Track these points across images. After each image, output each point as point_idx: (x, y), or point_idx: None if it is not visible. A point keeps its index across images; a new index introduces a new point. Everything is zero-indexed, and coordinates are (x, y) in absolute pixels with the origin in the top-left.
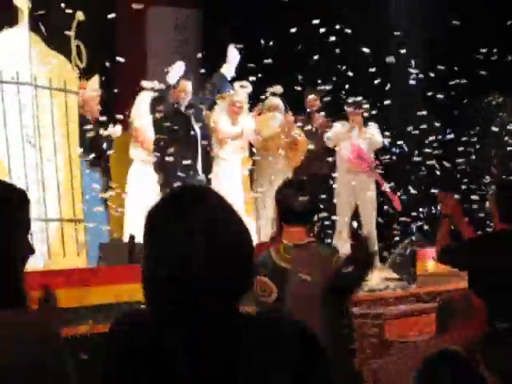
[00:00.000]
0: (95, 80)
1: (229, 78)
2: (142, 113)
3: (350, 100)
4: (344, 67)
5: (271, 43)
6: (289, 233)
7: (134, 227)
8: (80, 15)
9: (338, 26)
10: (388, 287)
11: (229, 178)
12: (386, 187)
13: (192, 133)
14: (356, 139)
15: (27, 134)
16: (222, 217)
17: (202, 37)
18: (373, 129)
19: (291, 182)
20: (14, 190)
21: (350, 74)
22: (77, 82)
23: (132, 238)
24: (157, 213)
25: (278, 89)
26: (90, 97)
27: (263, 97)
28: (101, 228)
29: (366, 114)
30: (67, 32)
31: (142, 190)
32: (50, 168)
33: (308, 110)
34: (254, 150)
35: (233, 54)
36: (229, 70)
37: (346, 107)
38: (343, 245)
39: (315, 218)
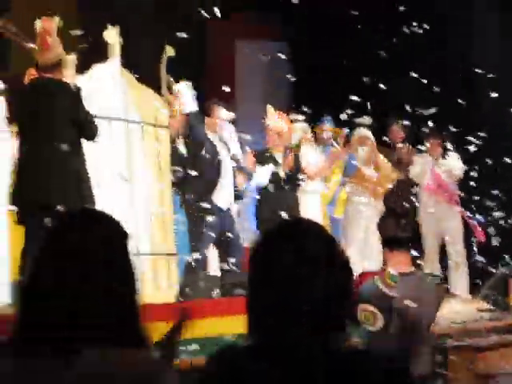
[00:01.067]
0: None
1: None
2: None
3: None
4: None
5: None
6: (393, 260)
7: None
8: (169, 50)
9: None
10: (482, 318)
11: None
12: (471, 219)
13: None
14: (436, 168)
15: (120, 169)
16: (331, 249)
17: (291, 69)
18: (453, 158)
19: (394, 209)
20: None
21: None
22: (167, 117)
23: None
24: (270, 244)
25: (367, 120)
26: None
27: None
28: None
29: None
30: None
31: None
32: (142, 203)
33: (391, 141)
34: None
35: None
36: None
37: (425, 140)
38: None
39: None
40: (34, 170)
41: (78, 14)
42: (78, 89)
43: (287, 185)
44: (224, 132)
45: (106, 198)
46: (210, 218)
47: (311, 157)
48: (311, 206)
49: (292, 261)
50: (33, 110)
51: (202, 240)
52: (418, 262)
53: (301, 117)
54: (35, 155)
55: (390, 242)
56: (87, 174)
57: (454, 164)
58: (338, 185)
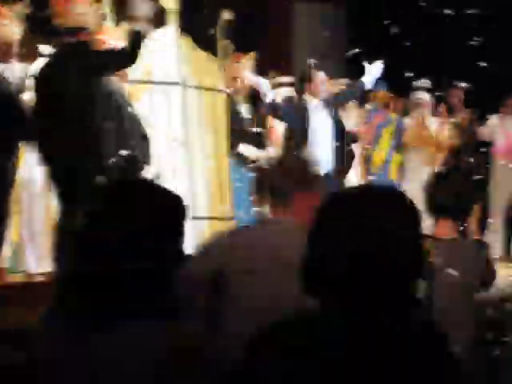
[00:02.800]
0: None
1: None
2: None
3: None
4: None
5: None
6: (436, 226)
7: None
8: (227, 14)
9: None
10: None
11: None
12: None
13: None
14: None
15: (175, 134)
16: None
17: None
18: None
19: (440, 172)
20: (168, 194)
21: None
22: (223, 81)
23: None
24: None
25: (427, 82)
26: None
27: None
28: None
29: None
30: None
31: None
32: (200, 166)
33: (451, 103)
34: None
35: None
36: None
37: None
38: (495, 239)
39: (466, 212)
40: None
41: None
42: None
43: None
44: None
45: (164, 163)
46: None
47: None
48: None
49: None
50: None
51: None
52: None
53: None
54: None
55: (436, 209)
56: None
57: None
58: (388, 148)
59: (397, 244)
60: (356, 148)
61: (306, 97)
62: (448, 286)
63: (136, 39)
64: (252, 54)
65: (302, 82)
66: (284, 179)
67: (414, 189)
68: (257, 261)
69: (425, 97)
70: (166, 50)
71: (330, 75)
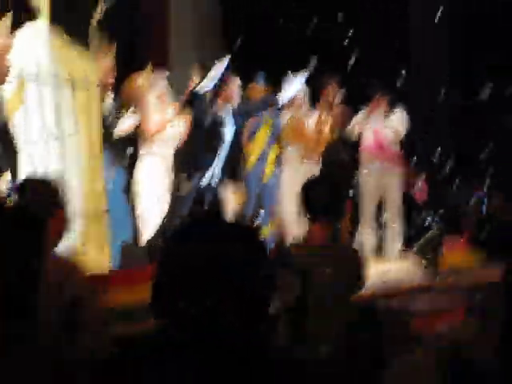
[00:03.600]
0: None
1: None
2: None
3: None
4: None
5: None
6: (312, 232)
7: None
8: (99, 8)
9: None
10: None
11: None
12: (413, 179)
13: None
14: (379, 127)
15: (50, 128)
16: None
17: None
18: (397, 116)
19: (316, 177)
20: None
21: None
22: (96, 73)
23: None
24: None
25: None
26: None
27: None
28: (124, 224)
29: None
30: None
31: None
32: (73, 162)
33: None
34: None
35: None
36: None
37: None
38: (368, 235)
39: (338, 215)
40: None
41: None
42: None
43: None
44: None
45: (40, 157)
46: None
47: None
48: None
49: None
50: None
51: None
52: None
53: None
54: None
55: (311, 210)
56: None
57: (399, 122)
58: (264, 144)
59: (243, 280)
60: None
61: (219, 101)
62: (322, 285)
63: None
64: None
65: (216, 87)
66: None
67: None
68: None
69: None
70: (37, 44)
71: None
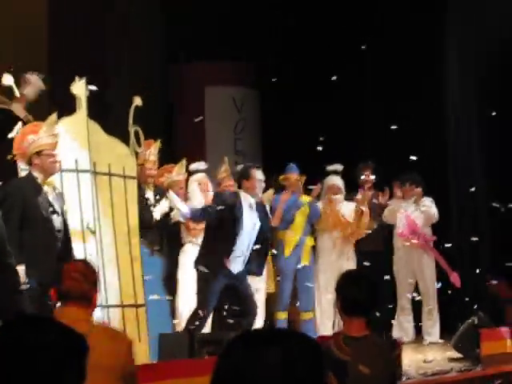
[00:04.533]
0: (183, 165)
1: None
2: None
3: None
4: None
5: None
6: (350, 324)
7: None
8: (137, 100)
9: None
10: (452, 369)
11: None
12: (444, 264)
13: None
14: (411, 213)
15: (87, 221)
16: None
17: (260, 115)
18: (427, 202)
19: (351, 272)
20: (74, 336)
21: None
22: (135, 168)
23: (191, 331)
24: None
25: (338, 167)
26: (175, 181)
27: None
28: (162, 317)
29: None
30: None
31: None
32: (111, 253)
33: (361, 186)
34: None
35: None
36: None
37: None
38: (406, 323)
39: (375, 307)
40: None
41: (48, 65)
42: None
43: None
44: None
45: (75, 251)
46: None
47: None
48: None
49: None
50: None
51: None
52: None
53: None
54: None
55: (348, 307)
56: None
57: (431, 207)
58: (301, 231)
59: None
60: None
61: (241, 193)
62: (360, 380)
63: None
64: (157, 142)
65: (241, 179)
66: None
67: (328, 273)
68: None
69: (337, 181)
70: (75, 138)
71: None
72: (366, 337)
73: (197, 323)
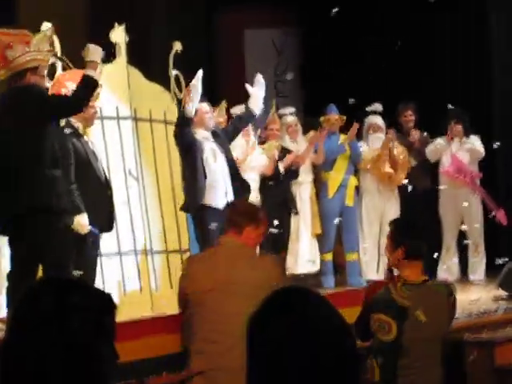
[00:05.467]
0: (223, 107)
1: (256, 112)
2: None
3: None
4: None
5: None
6: (407, 269)
7: None
8: (177, 45)
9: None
10: (499, 308)
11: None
12: (490, 201)
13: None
14: (456, 151)
15: (129, 167)
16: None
17: (302, 57)
18: (473, 139)
19: (407, 219)
20: (99, 295)
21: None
22: (176, 113)
23: None
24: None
25: (378, 107)
26: (217, 122)
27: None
28: None
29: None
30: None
31: None
32: (154, 199)
33: (404, 125)
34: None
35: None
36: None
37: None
38: (451, 261)
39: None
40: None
41: (88, 13)
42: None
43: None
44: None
45: (118, 197)
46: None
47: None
48: (302, 196)
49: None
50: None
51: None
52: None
53: (289, 110)
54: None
55: (409, 252)
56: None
57: (476, 144)
58: (343, 171)
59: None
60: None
61: (194, 129)
62: (418, 326)
63: (91, 86)
64: (222, 104)
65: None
66: (239, 217)
67: (371, 213)
68: (214, 281)
69: (378, 120)
70: (116, 85)
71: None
72: (424, 282)
73: None
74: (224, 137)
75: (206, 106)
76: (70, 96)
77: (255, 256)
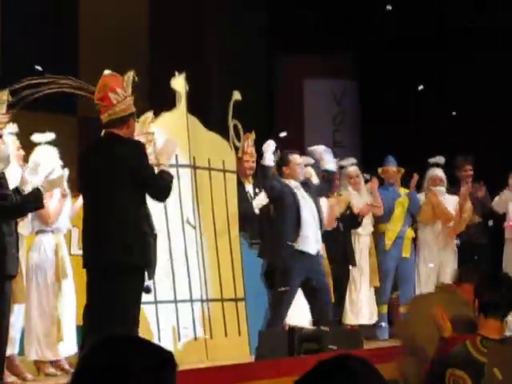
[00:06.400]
0: (252, 137)
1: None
2: None
3: None
4: None
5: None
6: (487, 325)
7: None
8: (236, 94)
9: None
10: None
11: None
12: None
13: None
14: None
15: (187, 215)
16: None
17: (359, 107)
18: None
19: (492, 274)
20: (161, 353)
21: None
22: (235, 162)
23: (292, 328)
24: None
25: (440, 159)
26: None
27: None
28: (263, 311)
29: None
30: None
31: None
32: (211, 248)
33: (463, 179)
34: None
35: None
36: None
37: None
38: None
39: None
40: (95, 228)
41: (149, 63)
42: (140, 145)
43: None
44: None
45: (175, 245)
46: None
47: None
48: (361, 246)
49: None
50: (94, 168)
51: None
52: None
53: (350, 161)
54: (96, 214)
55: (487, 308)
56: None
57: None
58: (401, 223)
59: None
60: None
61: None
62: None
63: (170, 182)
64: (252, 134)
65: (280, 166)
66: None
67: (429, 265)
68: None
69: (440, 173)
70: (176, 132)
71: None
72: (503, 340)
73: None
74: (314, 189)
75: (297, 158)
76: (161, 181)
77: None
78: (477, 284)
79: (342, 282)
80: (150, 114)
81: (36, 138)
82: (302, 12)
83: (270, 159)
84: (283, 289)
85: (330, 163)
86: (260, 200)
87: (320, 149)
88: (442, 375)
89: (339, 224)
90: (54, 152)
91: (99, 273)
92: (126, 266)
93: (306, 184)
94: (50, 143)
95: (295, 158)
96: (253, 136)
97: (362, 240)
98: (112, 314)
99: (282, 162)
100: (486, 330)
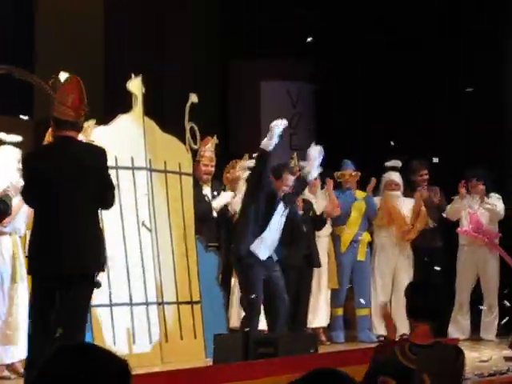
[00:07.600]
0: (246, 160)
1: (310, 178)
2: None
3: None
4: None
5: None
6: (416, 330)
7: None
8: (193, 97)
9: None
10: (510, 370)
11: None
12: (510, 261)
13: None
14: (476, 210)
15: (143, 218)
16: None
17: (315, 111)
18: (494, 199)
19: (421, 280)
20: (114, 361)
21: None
22: (191, 164)
23: (246, 332)
24: None
25: (397, 163)
26: (238, 176)
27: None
28: (218, 313)
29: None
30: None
31: None
32: (166, 251)
33: (418, 184)
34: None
35: (314, 153)
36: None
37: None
38: (463, 318)
39: (440, 317)
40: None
41: (105, 63)
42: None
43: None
44: None
45: (131, 248)
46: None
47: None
48: (320, 248)
49: None
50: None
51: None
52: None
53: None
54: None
55: (415, 312)
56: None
57: (497, 204)
58: (357, 227)
59: None
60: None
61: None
62: None
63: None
64: (214, 138)
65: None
66: None
67: (385, 269)
68: None
69: (396, 177)
70: (132, 135)
71: None
72: (431, 345)
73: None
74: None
75: (291, 179)
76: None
77: None
78: (406, 289)
79: (306, 284)
80: (91, 122)
81: (2, 136)
82: (259, 15)
83: (271, 145)
84: (253, 296)
85: (315, 168)
86: (220, 201)
87: (318, 152)
88: (374, 381)
89: (303, 226)
90: (16, 154)
91: (54, 281)
92: (84, 274)
93: (287, 196)
94: (13, 144)
95: (289, 178)
96: (214, 140)
97: (321, 242)
98: (70, 322)
99: (275, 174)
100: (415, 336)
